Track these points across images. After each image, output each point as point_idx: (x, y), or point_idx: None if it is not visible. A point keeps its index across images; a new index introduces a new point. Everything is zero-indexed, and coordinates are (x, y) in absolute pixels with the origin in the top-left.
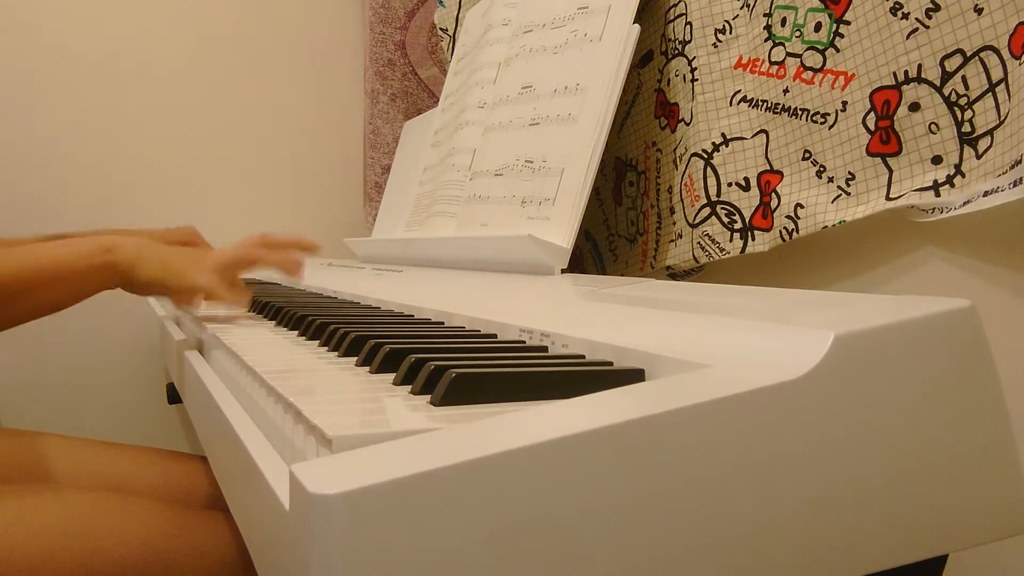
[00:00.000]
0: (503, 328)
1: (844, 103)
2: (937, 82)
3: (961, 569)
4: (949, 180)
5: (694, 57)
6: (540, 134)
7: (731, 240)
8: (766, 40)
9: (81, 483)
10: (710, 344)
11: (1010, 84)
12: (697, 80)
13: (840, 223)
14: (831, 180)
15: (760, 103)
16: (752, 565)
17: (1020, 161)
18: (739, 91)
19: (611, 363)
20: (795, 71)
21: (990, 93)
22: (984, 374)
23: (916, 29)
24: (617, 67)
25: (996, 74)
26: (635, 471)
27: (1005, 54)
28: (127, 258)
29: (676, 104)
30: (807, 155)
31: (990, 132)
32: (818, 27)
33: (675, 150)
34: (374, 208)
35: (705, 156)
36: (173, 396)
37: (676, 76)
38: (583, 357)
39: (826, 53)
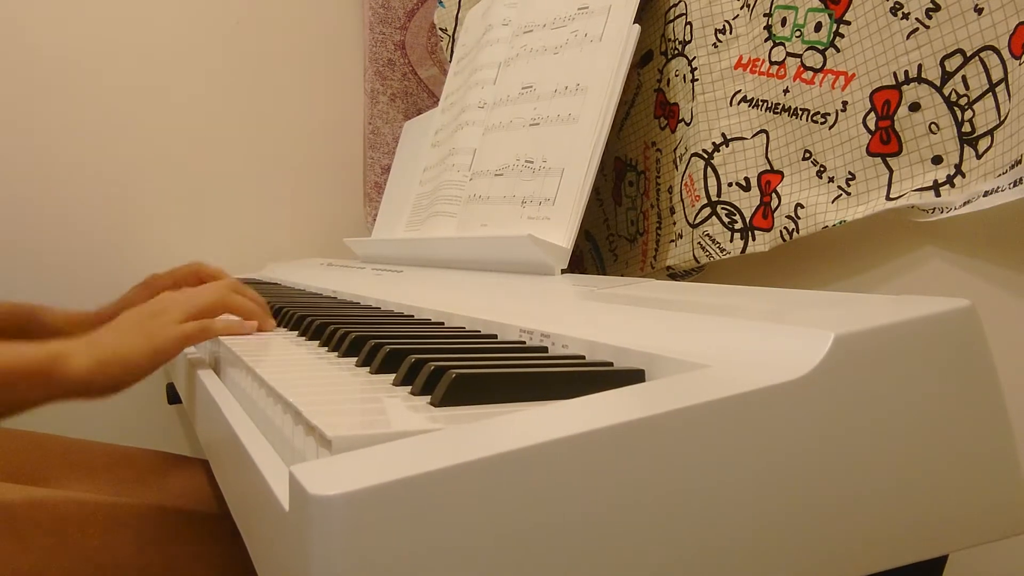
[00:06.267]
0: (503, 328)
1: (844, 103)
2: (937, 82)
3: (961, 569)
4: (949, 180)
5: (694, 57)
6: (540, 134)
7: (731, 240)
8: (766, 40)
9: (79, 486)
10: (710, 344)
11: (1010, 84)
12: (697, 80)
13: (840, 223)
14: (831, 180)
15: (760, 103)
16: (752, 565)
17: (1020, 161)
18: (739, 91)
19: (611, 363)
20: (795, 71)
21: (990, 93)
22: (984, 374)
23: (916, 29)
24: (617, 67)
25: (996, 74)
26: (635, 471)
27: (1005, 54)
28: (78, 363)
29: (676, 104)
30: (807, 155)
31: (990, 132)
32: (818, 27)
33: (675, 150)
34: (374, 208)
35: (705, 156)
36: (173, 396)
37: (676, 76)
38: (583, 357)
39: (826, 53)
